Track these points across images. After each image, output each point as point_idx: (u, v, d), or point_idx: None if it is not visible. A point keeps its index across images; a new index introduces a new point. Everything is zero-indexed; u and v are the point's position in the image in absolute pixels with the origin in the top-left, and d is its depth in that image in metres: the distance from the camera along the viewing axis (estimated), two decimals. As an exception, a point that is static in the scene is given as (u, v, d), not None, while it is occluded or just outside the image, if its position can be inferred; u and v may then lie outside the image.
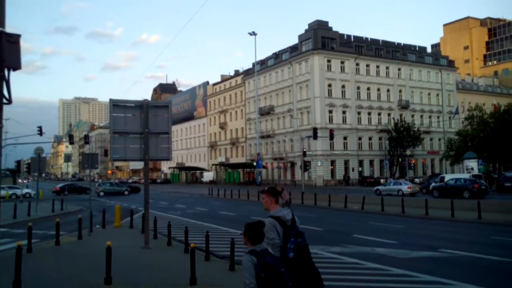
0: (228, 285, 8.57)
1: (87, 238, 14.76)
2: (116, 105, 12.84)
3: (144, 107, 12.71)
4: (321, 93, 67.86)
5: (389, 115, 73.97)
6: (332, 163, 68.04)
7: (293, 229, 4.61)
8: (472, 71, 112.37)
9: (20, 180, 57.97)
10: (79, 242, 14.08)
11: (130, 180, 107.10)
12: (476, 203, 20.53)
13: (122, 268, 9.56)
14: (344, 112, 70.07)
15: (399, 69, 76.30)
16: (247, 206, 30.54)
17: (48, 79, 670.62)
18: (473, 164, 44.14)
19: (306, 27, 74.24)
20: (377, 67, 74.20)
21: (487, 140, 50.91)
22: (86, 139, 63.13)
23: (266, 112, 78.65)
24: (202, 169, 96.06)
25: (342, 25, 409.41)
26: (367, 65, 73.15)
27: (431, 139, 78.12)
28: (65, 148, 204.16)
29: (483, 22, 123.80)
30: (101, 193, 47.58)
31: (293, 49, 74.61)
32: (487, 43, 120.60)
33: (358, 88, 71.77)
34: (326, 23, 73.20)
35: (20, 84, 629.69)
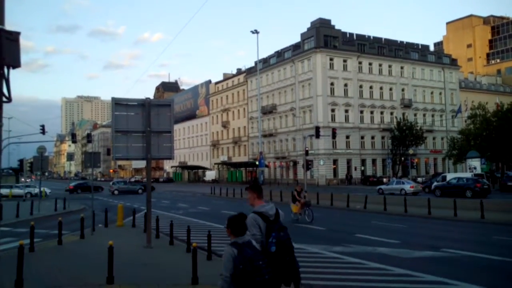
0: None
1: (89, 237, 14.78)
2: (118, 103, 12.82)
3: (146, 106, 12.70)
4: (323, 92, 67.77)
5: (391, 113, 73.83)
6: (335, 162, 67.96)
7: (276, 223, 4.70)
8: (475, 69, 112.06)
9: (23, 179, 58.10)
10: (82, 241, 14.09)
11: (133, 179, 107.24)
12: (478, 202, 20.49)
13: (124, 268, 9.56)
14: (346, 111, 69.97)
15: (401, 68, 76.14)
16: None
17: (50, 77, 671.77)
18: (476, 163, 44.03)
19: (309, 25, 74.16)
20: (380, 65, 74.05)
21: (490, 139, 50.73)
22: (89, 138, 63.28)
23: (268, 110, 78.63)
24: (204, 168, 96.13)
25: (345, 24, 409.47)
26: (370, 64, 73.02)
27: (433, 138, 77.96)
28: (67, 147, 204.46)
29: (486, 20, 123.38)
30: (115, 192, 47.57)
31: (296, 47, 74.53)
32: (490, 41, 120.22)
33: (361, 86, 71.64)
34: (328, 21, 73.09)
35: (22, 82, 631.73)
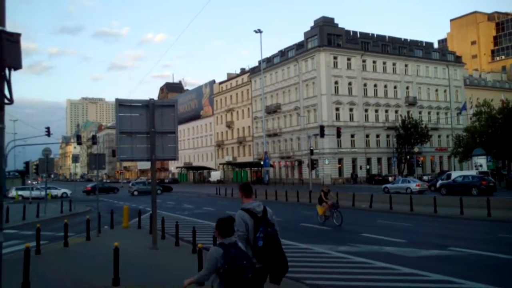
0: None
1: (95, 239, 14.81)
2: (122, 105, 12.84)
3: (150, 107, 12.70)
4: (327, 91, 67.66)
5: (396, 112, 73.60)
6: (340, 161, 67.83)
7: (264, 220, 4.93)
8: (479, 66, 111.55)
9: (29, 181, 58.33)
10: (88, 243, 14.12)
11: (138, 180, 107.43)
12: (485, 200, 20.39)
13: (130, 269, 9.57)
14: (351, 110, 69.82)
15: (406, 65, 75.89)
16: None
17: (55, 79, 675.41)
18: (481, 161, 43.80)
19: (312, 24, 74.06)
20: (384, 63, 73.84)
21: (496, 136, 50.46)
22: (94, 140, 63.33)
23: (272, 110, 78.58)
24: (209, 169, 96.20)
25: (348, 22, 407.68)
26: (374, 62, 72.82)
27: (439, 136, 77.64)
28: (73, 148, 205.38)
29: (490, 16, 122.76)
30: (135, 193, 47.97)
31: (299, 46, 74.46)
32: (495, 37, 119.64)
33: (365, 85, 71.46)
34: (332, 19, 72.96)
35: (27, 85, 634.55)
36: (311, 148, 47.76)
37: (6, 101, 3.93)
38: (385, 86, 73.58)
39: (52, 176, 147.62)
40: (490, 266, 10.32)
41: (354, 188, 46.34)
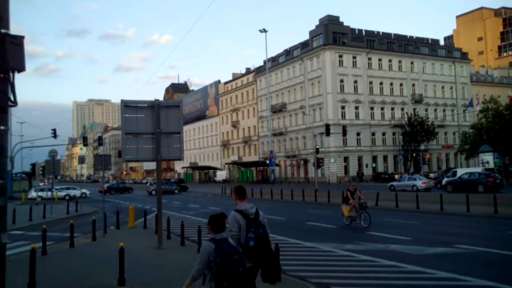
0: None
1: (101, 239, 14.86)
2: (127, 105, 12.88)
3: (156, 107, 12.73)
4: (333, 89, 67.52)
5: (402, 109, 73.32)
6: (346, 159, 67.69)
7: (256, 221, 5.15)
8: (486, 62, 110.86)
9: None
10: (93, 244, 14.18)
11: (144, 181, 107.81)
12: (491, 197, 20.27)
13: (135, 269, 9.60)
14: (356, 108, 69.64)
15: (411, 63, 75.57)
16: (260, 205, 30.44)
17: (61, 81, 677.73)
18: (488, 158, 43.52)
19: (317, 22, 73.96)
20: (390, 61, 73.57)
21: (503, 132, 50.12)
22: (100, 141, 63.51)
23: (278, 109, 78.52)
24: (215, 168, 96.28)
25: (353, 20, 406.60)
26: (380, 60, 72.58)
27: (445, 133, 77.28)
28: (79, 150, 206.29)
29: (497, 12, 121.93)
30: (153, 192, 48.08)
31: (304, 45, 74.35)
32: (502, 33, 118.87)
33: (371, 83, 71.25)
34: (337, 18, 72.81)
35: (34, 87, 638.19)
36: (317, 146, 47.68)
37: (9, 103, 3.95)
38: (391, 84, 73.31)
39: (59, 177, 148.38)
40: (496, 264, 10.25)
41: (360, 186, 45.91)
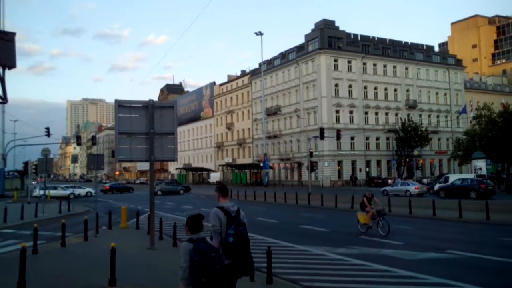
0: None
1: (93, 239, 14.78)
2: (121, 105, 12.83)
3: (150, 108, 12.69)
4: (327, 93, 67.65)
5: (396, 115, 73.58)
6: (339, 163, 67.78)
7: (236, 219, 5.33)
8: (480, 70, 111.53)
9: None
10: (85, 244, 14.09)
11: (138, 181, 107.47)
12: (483, 203, 20.36)
13: (127, 270, 9.54)
14: (351, 112, 69.80)
15: (406, 69, 75.89)
16: (253, 207, 30.48)
17: (56, 80, 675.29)
18: (481, 164, 43.75)
19: (313, 26, 74.08)
20: (384, 66, 73.86)
21: (496, 139, 50.43)
22: (94, 140, 63.25)
23: (272, 112, 78.55)
24: (209, 170, 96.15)
25: (349, 24, 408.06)
26: (374, 65, 72.84)
27: (439, 139, 77.62)
28: (73, 149, 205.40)
29: (491, 20, 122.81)
30: (159, 192, 48.83)
31: (300, 48, 74.47)
32: (496, 41, 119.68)
33: (365, 87, 71.47)
34: (332, 22, 73.00)
35: (29, 85, 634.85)
36: (311, 150, 47.71)
37: (0, 100, 3.90)
38: (386, 89, 73.58)
39: (52, 176, 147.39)
40: (488, 270, 10.29)
41: (354, 190, 46.26)
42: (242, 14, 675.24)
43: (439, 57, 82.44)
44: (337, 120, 68.21)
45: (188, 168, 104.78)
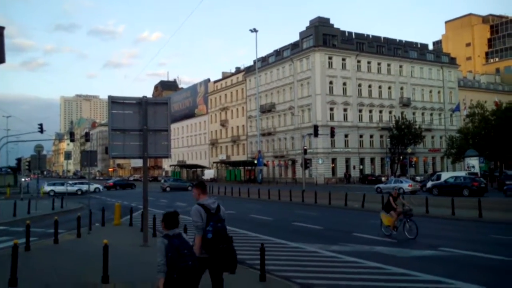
0: (226, 283, 8.49)
1: (86, 236, 14.72)
2: (115, 102, 12.75)
3: (143, 104, 12.63)
4: (322, 91, 67.72)
5: (390, 112, 73.81)
6: (333, 160, 67.93)
7: (216, 215, 5.50)
8: (474, 68, 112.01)
9: (24, 179, 58.02)
10: (78, 240, 14.04)
11: (132, 178, 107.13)
12: (476, 201, 20.47)
13: (120, 266, 9.50)
14: (345, 110, 69.93)
15: (400, 67, 76.11)
16: (248, 204, 30.49)
17: (50, 76, 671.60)
18: (474, 162, 44.04)
19: (307, 24, 74.16)
20: (379, 64, 74.02)
21: (489, 137, 50.75)
22: (87, 137, 62.89)
23: (267, 109, 78.54)
24: (203, 167, 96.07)
25: (344, 22, 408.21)
26: (369, 62, 72.99)
27: (432, 137, 77.96)
28: (66, 145, 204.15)
29: (485, 19, 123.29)
30: (167, 189, 49.94)
31: (294, 46, 74.46)
32: (489, 40, 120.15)
33: (359, 85, 71.61)
34: (327, 20, 73.05)
35: (22, 81, 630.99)
36: (305, 147, 47.77)
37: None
38: (380, 87, 73.76)
39: (45, 173, 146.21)
40: (480, 267, 10.35)
41: (347, 188, 46.41)
42: (237, 11, 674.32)
43: (433, 55, 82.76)
44: (331, 117, 68.31)
45: (182, 165, 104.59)
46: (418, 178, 57.84)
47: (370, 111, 72.50)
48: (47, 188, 44.15)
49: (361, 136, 70.77)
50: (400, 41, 79.78)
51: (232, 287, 7.37)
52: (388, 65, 74.88)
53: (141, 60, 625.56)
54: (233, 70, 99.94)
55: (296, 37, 75.68)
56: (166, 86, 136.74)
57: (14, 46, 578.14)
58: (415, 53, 78.82)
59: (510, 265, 10.52)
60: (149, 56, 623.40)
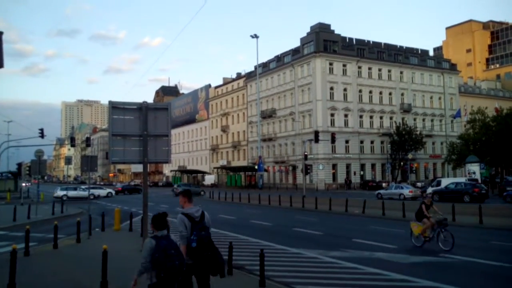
0: (225, 289, 8.47)
1: (85, 241, 14.70)
2: (115, 107, 12.72)
3: (144, 109, 12.64)
4: (323, 96, 67.79)
5: (391, 118, 73.81)
6: (334, 166, 67.88)
7: (200, 223, 5.65)
8: (474, 74, 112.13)
9: (24, 184, 58.02)
10: (77, 246, 14.02)
11: (132, 183, 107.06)
12: (477, 207, 20.44)
13: (119, 272, 9.47)
14: (346, 115, 69.95)
15: (401, 72, 76.20)
16: (248, 210, 30.45)
17: (51, 81, 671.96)
18: (475, 168, 43.99)
19: (308, 30, 74.28)
20: (379, 70, 74.11)
21: (489, 144, 50.71)
22: (88, 142, 63.06)
23: (268, 115, 78.59)
24: (203, 172, 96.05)
25: (344, 28, 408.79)
26: (369, 68, 73.09)
27: (433, 143, 77.91)
28: (67, 150, 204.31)
29: (485, 25, 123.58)
30: None
31: (295, 52, 74.61)
32: (490, 46, 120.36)
33: (360, 91, 71.67)
34: (328, 26, 73.22)
35: (23, 86, 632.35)
36: (306, 153, 47.77)
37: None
38: (380, 93, 73.82)
39: (46, 178, 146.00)
40: (480, 273, 10.32)
41: (348, 193, 46.38)
42: (238, 16, 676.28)
43: (434, 61, 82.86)
44: (332, 123, 68.34)
45: (182, 171, 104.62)
46: (419, 184, 57.75)
47: (371, 117, 72.52)
48: (60, 193, 44.39)
49: (361, 142, 70.74)
50: (401, 47, 79.94)
51: (231, 293, 7.34)
52: (389, 71, 74.98)
53: (143, 66, 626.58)
54: (234, 76, 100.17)
55: (297, 43, 75.92)
56: (167, 92, 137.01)
57: (16, 52, 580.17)
58: (415, 59, 78.94)
59: (510, 271, 10.49)
60: (150, 61, 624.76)
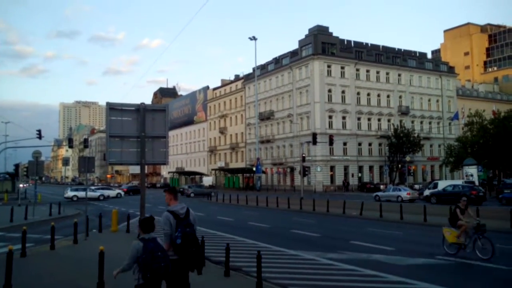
0: (222, 291, 8.47)
1: (82, 242, 14.67)
2: (113, 108, 12.68)
3: (141, 111, 12.62)
4: (321, 98, 67.84)
5: (389, 121, 73.90)
6: (332, 168, 67.91)
7: (185, 220, 5.76)
8: (472, 77, 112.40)
9: (21, 185, 57.91)
10: (75, 247, 13.99)
11: (130, 184, 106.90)
12: (474, 210, 20.41)
13: (115, 273, 9.45)
14: (344, 118, 70.01)
15: (399, 75, 76.31)
16: (246, 212, 30.42)
17: (50, 82, 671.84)
18: (472, 171, 44.04)
19: (307, 32, 74.33)
20: (377, 72, 74.21)
21: (487, 146, 50.80)
22: (86, 143, 62.99)
23: (266, 117, 78.62)
24: (201, 174, 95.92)
25: (343, 31, 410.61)
26: (367, 71, 73.17)
27: (431, 145, 78.03)
28: (65, 152, 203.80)
29: (483, 28, 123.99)
30: (192, 194, 52.14)
31: (293, 54, 74.67)
32: (488, 49, 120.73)
33: (358, 93, 71.74)
34: (326, 28, 73.30)
35: (22, 87, 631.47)
36: (303, 155, 47.73)
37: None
38: (378, 95, 73.91)
39: (43, 179, 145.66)
40: (478, 275, 10.33)
41: (346, 195, 46.37)
42: (236, 19, 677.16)
43: (432, 64, 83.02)
44: (330, 125, 68.38)
45: (180, 172, 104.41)
46: (416, 186, 57.74)
47: (369, 119, 72.61)
48: (70, 194, 45.30)
49: (359, 144, 70.80)
50: (399, 49, 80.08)
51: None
52: (387, 73, 75.09)
53: (141, 67, 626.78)
54: (232, 78, 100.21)
55: (295, 45, 76.10)
56: (166, 93, 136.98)
57: (15, 53, 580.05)
58: (413, 62, 79.08)
59: (508, 274, 10.50)
60: (149, 63, 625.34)
